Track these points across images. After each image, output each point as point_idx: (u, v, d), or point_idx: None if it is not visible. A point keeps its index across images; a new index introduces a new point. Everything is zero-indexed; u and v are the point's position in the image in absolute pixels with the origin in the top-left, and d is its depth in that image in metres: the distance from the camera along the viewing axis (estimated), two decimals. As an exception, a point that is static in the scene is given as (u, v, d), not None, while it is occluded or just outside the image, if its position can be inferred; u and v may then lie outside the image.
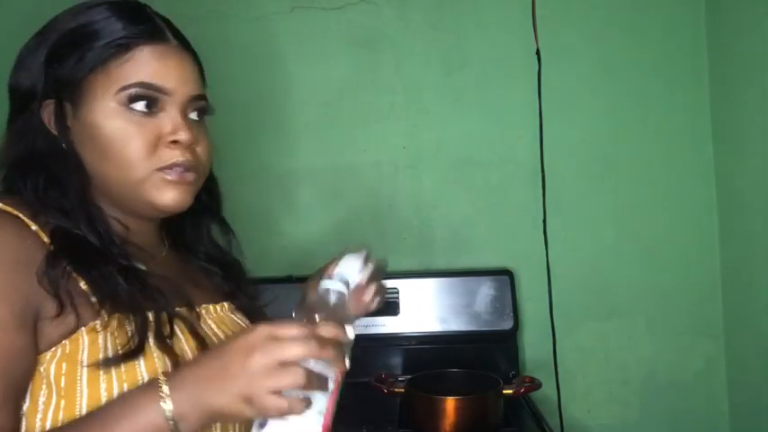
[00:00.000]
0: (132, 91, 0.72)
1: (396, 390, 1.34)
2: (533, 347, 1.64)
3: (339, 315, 0.67)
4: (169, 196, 0.75)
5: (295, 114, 1.67)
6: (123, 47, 0.73)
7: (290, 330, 0.62)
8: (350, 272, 0.75)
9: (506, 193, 1.66)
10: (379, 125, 1.67)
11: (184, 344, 0.72)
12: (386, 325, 1.57)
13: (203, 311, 0.80)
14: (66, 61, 0.73)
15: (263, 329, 0.62)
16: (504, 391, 1.30)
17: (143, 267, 0.76)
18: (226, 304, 0.85)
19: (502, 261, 1.63)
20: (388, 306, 1.58)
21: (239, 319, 0.86)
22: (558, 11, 1.63)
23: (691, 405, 1.64)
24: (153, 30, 0.76)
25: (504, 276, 1.58)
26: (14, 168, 0.74)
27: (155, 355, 0.68)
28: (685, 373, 1.64)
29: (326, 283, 0.74)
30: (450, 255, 1.66)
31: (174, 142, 0.74)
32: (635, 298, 1.65)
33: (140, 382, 0.66)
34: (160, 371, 0.66)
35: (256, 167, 1.67)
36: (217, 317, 0.82)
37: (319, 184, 1.68)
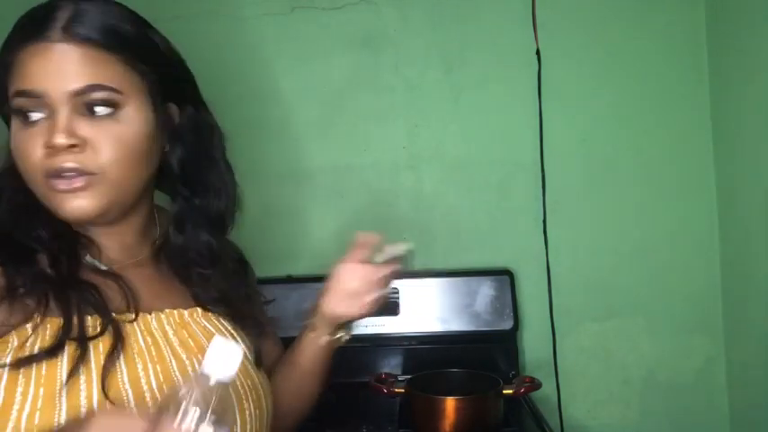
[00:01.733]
0: (14, 102, 0.70)
1: (396, 390, 1.34)
2: (533, 347, 1.64)
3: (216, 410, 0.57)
4: (66, 207, 0.70)
5: (295, 114, 1.67)
6: (10, 55, 0.70)
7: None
8: (217, 366, 0.59)
9: (506, 193, 1.66)
10: (379, 125, 1.67)
11: (101, 347, 0.69)
12: (386, 325, 1.57)
13: (163, 316, 0.77)
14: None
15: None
16: (504, 391, 1.30)
17: (102, 267, 0.76)
18: (200, 309, 0.81)
19: (502, 261, 1.63)
20: (388, 306, 1.58)
21: (219, 325, 0.82)
22: (558, 11, 1.63)
23: (691, 405, 1.64)
24: (35, 28, 0.70)
25: (504, 276, 1.58)
26: None
27: (67, 357, 0.66)
28: (685, 373, 1.64)
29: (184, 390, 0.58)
30: (451, 255, 1.66)
31: (52, 147, 0.68)
32: (635, 298, 1.65)
33: (58, 383, 0.65)
34: (64, 374, 0.65)
35: (256, 167, 1.67)
36: (180, 322, 0.78)
37: (319, 184, 1.68)
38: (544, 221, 1.63)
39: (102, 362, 0.68)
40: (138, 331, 0.74)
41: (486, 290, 1.57)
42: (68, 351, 0.67)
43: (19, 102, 0.69)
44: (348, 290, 0.90)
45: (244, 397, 0.77)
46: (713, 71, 1.61)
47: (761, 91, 1.41)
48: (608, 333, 1.65)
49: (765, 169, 1.41)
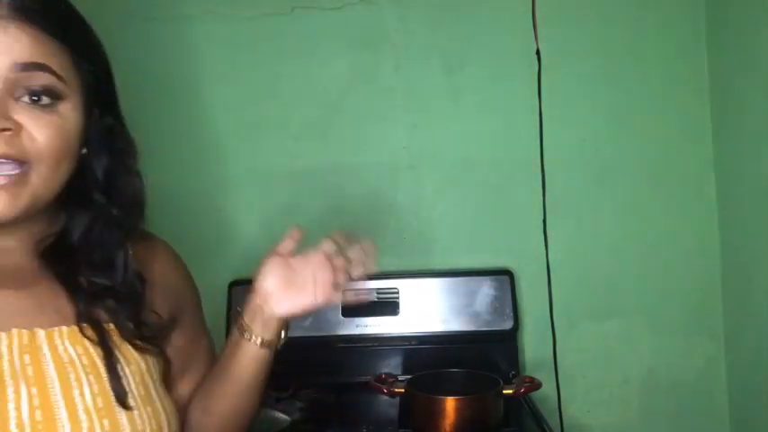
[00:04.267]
0: None
1: (396, 390, 1.34)
2: (533, 347, 1.64)
3: None
4: None
5: (295, 114, 1.67)
6: None
7: None
8: None
9: (506, 193, 1.66)
10: (379, 125, 1.67)
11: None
12: (386, 325, 1.57)
13: (14, 335, 0.66)
14: None
15: None
16: (504, 391, 1.30)
17: None
18: (64, 329, 0.68)
19: (502, 261, 1.63)
20: (388, 306, 1.58)
21: (88, 349, 0.69)
22: (558, 11, 1.63)
23: (691, 405, 1.64)
24: None
25: (504, 276, 1.58)
26: None
27: None
28: (685, 373, 1.64)
29: None
30: (450, 255, 1.66)
31: None
32: (635, 298, 1.65)
33: None
34: None
35: (256, 167, 1.67)
36: (29, 345, 0.66)
37: (319, 184, 1.68)
38: (544, 221, 1.63)
39: None
40: None
41: (486, 290, 1.57)
42: None
43: None
44: (286, 282, 0.81)
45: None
46: (713, 71, 1.61)
47: (761, 91, 1.41)
48: (608, 333, 1.65)
49: (765, 169, 1.41)
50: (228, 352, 0.83)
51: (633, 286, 1.65)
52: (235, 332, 0.83)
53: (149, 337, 0.74)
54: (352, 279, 0.84)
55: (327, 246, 0.84)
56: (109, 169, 0.74)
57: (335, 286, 0.82)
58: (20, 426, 0.61)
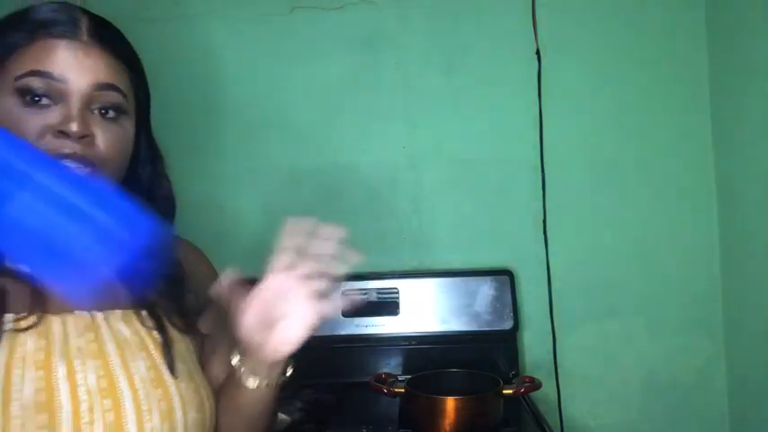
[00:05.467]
0: (21, 81, 0.72)
1: (396, 390, 1.34)
2: (533, 347, 1.65)
3: None
4: None
5: (295, 114, 1.67)
6: (21, 39, 0.73)
7: None
8: None
9: (506, 193, 1.66)
10: (379, 125, 1.67)
11: None
12: (386, 325, 1.57)
13: (69, 318, 0.74)
14: None
15: None
16: (504, 391, 1.30)
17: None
18: (118, 312, 0.78)
19: (502, 261, 1.63)
20: (388, 306, 1.58)
21: (140, 329, 0.79)
22: (558, 11, 1.63)
23: (691, 405, 1.64)
24: (59, 23, 0.74)
25: (504, 276, 1.58)
26: None
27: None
28: (685, 373, 1.64)
29: None
30: (450, 255, 1.66)
31: (62, 133, 0.71)
32: (635, 298, 1.65)
33: None
34: None
35: (256, 167, 1.67)
36: (91, 325, 0.75)
37: (319, 184, 1.68)
38: (544, 221, 1.63)
39: None
40: (35, 336, 0.71)
41: (486, 290, 1.57)
42: None
43: (30, 81, 0.72)
44: (265, 323, 0.75)
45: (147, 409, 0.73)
46: (713, 71, 1.61)
47: (761, 91, 1.41)
48: (608, 333, 1.65)
49: (765, 169, 1.41)
50: (231, 391, 0.83)
51: (633, 286, 1.65)
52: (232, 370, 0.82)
53: (190, 319, 0.84)
54: (334, 279, 0.74)
55: (283, 259, 0.75)
56: (149, 174, 0.86)
57: (320, 298, 0.74)
58: (88, 392, 0.71)
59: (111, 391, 0.72)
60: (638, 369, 1.65)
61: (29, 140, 0.70)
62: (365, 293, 1.58)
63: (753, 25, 1.44)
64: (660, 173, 1.65)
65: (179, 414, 0.75)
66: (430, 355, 1.57)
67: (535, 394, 1.39)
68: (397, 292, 1.58)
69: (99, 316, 0.77)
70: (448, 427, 1.26)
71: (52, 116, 0.72)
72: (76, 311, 0.76)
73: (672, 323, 1.64)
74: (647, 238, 1.65)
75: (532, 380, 1.35)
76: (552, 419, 1.46)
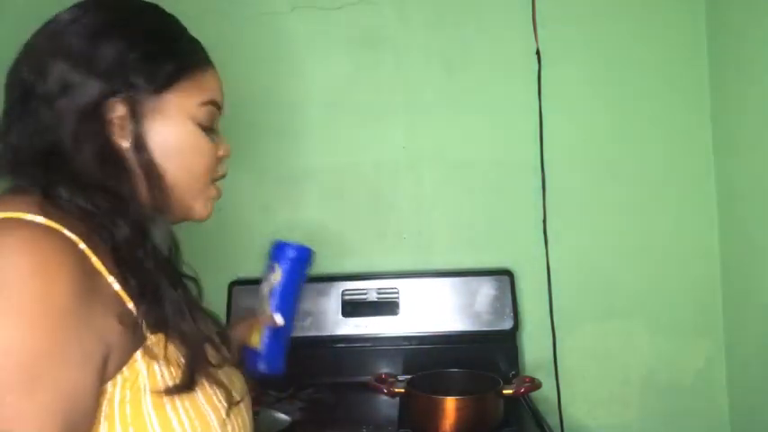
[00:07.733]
0: (209, 109, 0.75)
1: (396, 390, 1.34)
2: (533, 347, 1.64)
3: None
4: (210, 209, 0.78)
5: (295, 114, 1.67)
6: (200, 66, 0.76)
7: None
8: None
9: (506, 193, 1.66)
10: (379, 125, 1.67)
11: (224, 373, 0.72)
12: (386, 325, 1.57)
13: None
14: (149, 64, 0.70)
15: None
16: (504, 391, 1.30)
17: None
18: None
19: (502, 261, 1.63)
20: (388, 306, 1.58)
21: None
22: (558, 11, 1.63)
23: (690, 405, 1.64)
24: (202, 51, 0.79)
25: (504, 276, 1.58)
26: (38, 166, 0.65)
27: (206, 385, 0.68)
28: (685, 373, 1.64)
29: None
30: (451, 255, 1.66)
31: (226, 157, 0.79)
32: (635, 298, 1.65)
33: (203, 409, 0.66)
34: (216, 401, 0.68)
35: (256, 167, 1.67)
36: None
37: (319, 184, 1.68)
38: (544, 221, 1.63)
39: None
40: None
41: (486, 290, 1.58)
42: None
43: (212, 111, 0.75)
44: None
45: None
46: (713, 71, 1.61)
47: (761, 91, 1.41)
48: (608, 333, 1.65)
49: (765, 169, 1.41)
50: None
51: (633, 286, 1.65)
52: None
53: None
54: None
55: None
56: None
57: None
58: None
59: None
60: (638, 369, 1.65)
61: (206, 168, 0.75)
62: (365, 293, 1.58)
63: (753, 25, 1.44)
64: (660, 173, 1.65)
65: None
66: (430, 355, 1.57)
67: (535, 394, 1.39)
68: (397, 292, 1.58)
69: None
70: (448, 427, 1.26)
71: (222, 147, 0.77)
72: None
73: (672, 323, 1.64)
74: (647, 238, 1.65)
75: (532, 380, 1.35)
76: (552, 419, 1.46)
